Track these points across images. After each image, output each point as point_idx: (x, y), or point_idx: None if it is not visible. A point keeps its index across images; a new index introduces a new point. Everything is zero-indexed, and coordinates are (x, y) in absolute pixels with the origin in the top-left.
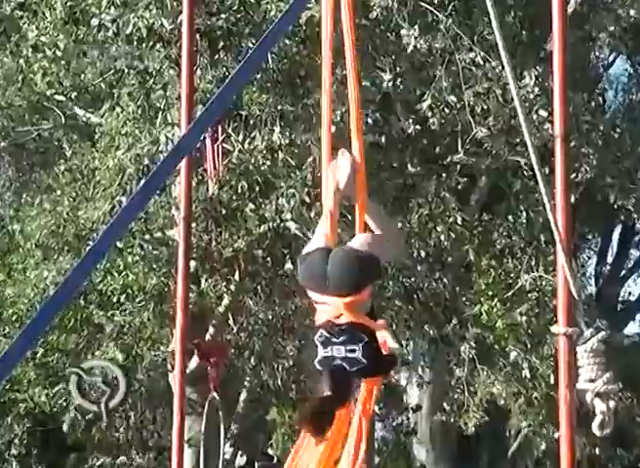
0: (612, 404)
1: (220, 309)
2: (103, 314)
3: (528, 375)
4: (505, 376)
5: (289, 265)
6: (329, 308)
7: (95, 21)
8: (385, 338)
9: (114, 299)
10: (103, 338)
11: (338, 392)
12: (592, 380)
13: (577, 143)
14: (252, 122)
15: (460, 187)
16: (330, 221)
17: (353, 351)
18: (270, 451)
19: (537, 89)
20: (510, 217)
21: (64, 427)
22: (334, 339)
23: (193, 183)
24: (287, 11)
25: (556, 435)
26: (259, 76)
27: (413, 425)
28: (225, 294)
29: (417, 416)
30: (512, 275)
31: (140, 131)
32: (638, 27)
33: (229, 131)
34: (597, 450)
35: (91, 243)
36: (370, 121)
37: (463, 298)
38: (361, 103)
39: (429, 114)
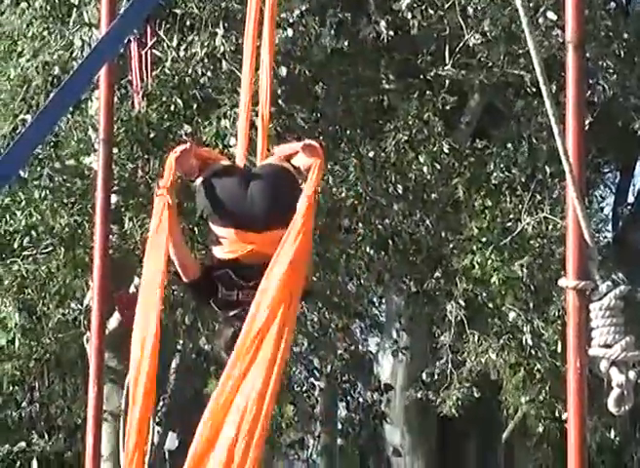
0: (632, 375)
1: None
2: (0, 262)
3: (530, 342)
4: (502, 343)
5: None
6: (237, 245)
7: None
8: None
9: (14, 244)
10: (0, 292)
11: None
12: (608, 346)
13: (592, 54)
14: (189, 23)
15: (447, 108)
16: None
17: None
18: None
19: None
20: (509, 145)
21: None
22: (242, 283)
23: (115, 99)
24: None
25: (564, 416)
26: None
27: (385, 403)
28: None
29: (389, 392)
30: (511, 217)
31: (49, 32)
32: None
33: (161, 33)
34: (612, 433)
35: None
36: (334, 23)
37: (450, 245)
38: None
39: (409, 16)
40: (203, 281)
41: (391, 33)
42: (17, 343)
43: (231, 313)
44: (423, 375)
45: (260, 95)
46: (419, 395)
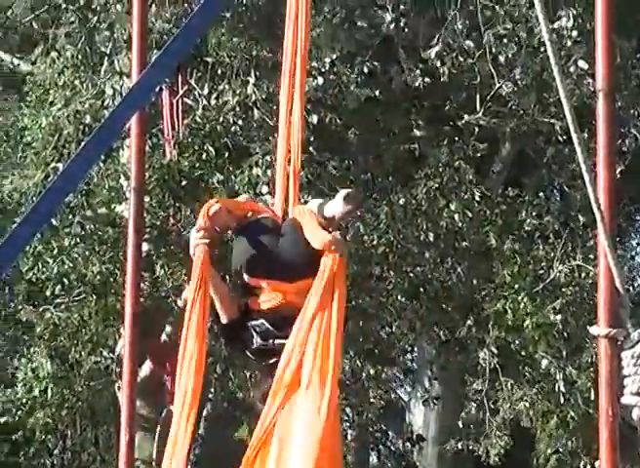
0: None
1: (180, 303)
2: (33, 310)
3: (562, 389)
4: (535, 391)
5: None
6: (270, 295)
7: None
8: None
9: (47, 291)
10: (32, 340)
11: None
12: None
13: (623, 102)
14: (220, 71)
15: (478, 155)
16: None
17: None
18: None
19: (575, 33)
20: (541, 194)
21: None
22: (277, 333)
23: (146, 147)
24: None
25: (596, 464)
26: (229, 14)
27: (417, 450)
28: (186, 285)
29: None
30: (544, 264)
31: (80, 81)
32: None
33: (192, 82)
34: None
35: (18, 220)
36: (365, 71)
37: (482, 293)
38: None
39: (439, 64)
40: (239, 326)
41: (427, 80)
42: (49, 393)
43: (270, 361)
44: (460, 424)
45: (292, 145)
46: (459, 446)
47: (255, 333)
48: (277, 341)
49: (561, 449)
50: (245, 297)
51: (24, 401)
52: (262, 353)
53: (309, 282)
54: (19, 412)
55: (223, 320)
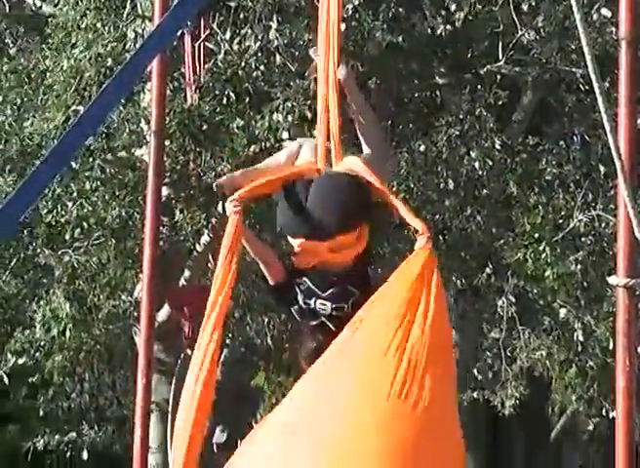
0: None
1: (198, 247)
2: (52, 253)
3: (581, 338)
4: (553, 340)
5: None
6: (308, 253)
7: None
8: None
9: (66, 235)
10: (51, 283)
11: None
12: None
13: None
14: (243, 16)
15: (499, 103)
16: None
17: (341, 309)
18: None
19: None
20: (562, 142)
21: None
22: (319, 292)
23: (167, 91)
24: None
25: (612, 414)
26: None
27: None
28: (205, 229)
29: None
30: (563, 213)
31: (102, 24)
32: None
33: (214, 26)
34: None
35: (38, 162)
36: (387, 18)
37: (502, 241)
38: None
39: (454, 8)
40: (285, 285)
41: (448, 27)
42: (67, 334)
43: (312, 323)
44: (475, 372)
45: (330, 103)
46: (475, 395)
47: (299, 291)
48: (318, 302)
49: (574, 397)
50: (292, 256)
51: (42, 343)
52: (306, 312)
53: (344, 238)
54: (37, 354)
55: (270, 282)
